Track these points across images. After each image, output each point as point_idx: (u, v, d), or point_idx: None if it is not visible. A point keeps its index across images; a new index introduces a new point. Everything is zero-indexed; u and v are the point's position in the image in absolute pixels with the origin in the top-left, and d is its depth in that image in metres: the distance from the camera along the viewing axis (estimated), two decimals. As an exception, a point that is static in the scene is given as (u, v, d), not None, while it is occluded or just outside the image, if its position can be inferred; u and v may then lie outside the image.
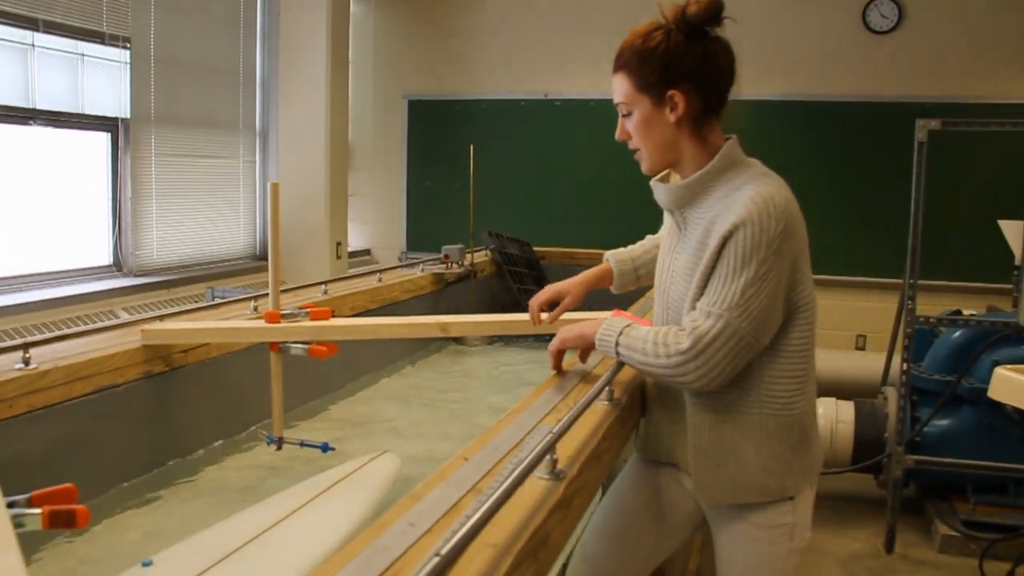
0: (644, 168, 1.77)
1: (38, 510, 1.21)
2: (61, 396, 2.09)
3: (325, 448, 2.38)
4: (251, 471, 2.48)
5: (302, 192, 5.69)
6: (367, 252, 6.99)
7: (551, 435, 1.45)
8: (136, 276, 4.90)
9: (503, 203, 6.37)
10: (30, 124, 4.30)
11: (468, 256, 4.38)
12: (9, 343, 2.08)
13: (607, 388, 1.83)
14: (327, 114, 5.74)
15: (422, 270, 4.12)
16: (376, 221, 7.11)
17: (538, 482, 1.41)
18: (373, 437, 2.82)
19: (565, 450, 1.53)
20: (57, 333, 2.22)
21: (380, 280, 3.65)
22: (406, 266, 4.28)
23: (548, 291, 2.13)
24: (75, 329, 2.30)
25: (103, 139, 4.81)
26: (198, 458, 2.51)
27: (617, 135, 1.77)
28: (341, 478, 2.20)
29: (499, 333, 2.55)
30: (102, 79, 4.67)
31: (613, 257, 2.15)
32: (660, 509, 1.96)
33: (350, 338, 2.43)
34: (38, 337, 2.15)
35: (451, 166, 6.63)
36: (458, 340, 4.27)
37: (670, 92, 1.65)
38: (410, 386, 3.54)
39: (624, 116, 1.73)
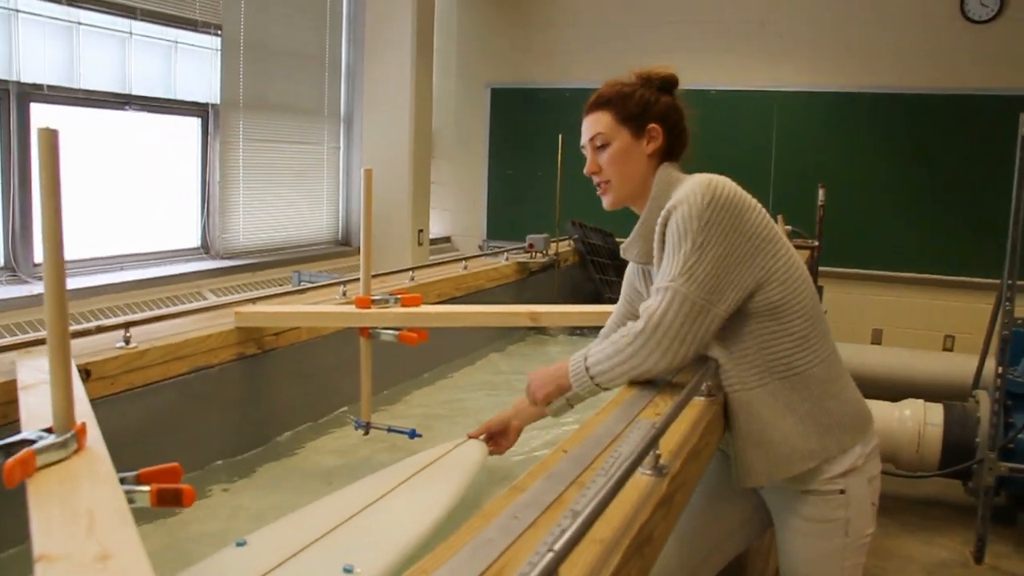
0: (607, 202, 1.94)
1: (146, 488, 1.22)
2: (159, 375, 2.12)
3: (412, 435, 2.38)
4: (337, 455, 2.49)
5: (386, 179, 5.71)
6: (447, 239, 7.02)
7: (654, 430, 1.41)
8: (222, 259, 4.98)
9: (585, 193, 6.29)
10: (126, 109, 4.40)
11: (552, 246, 4.35)
12: (111, 322, 2.12)
13: (705, 383, 1.79)
14: (411, 101, 5.76)
15: (506, 259, 4.10)
16: (457, 209, 7.13)
17: (641, 478, 1.38)
18: (457, 425, 2.80)
19: (667, 445, 1.50)
20: (155, 313, 2.25)
21: (466, 268, 3.64)
22: (490, 255, 4.26)
23: (485, 426, 2.26)
24: (172, 310, 2.33)
25: (194, 124, 4.89)
26: (286, 440, 2.53)
27: (587, 169, 1.92)
28: (428, 463, 2.19)
29: (588, 324, 2.52)
30: (194, 66, 4.75)
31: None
32: (721, 506, 2.02)
33: (440, 325, 2.42)
34: (137, 316, 2.18)
35: (533, 155, 6.61)
36: (540, 329, 4.24)
37: (650, 125, 1.87)
38: (493, 375, 3.52)
39: (598, 148, 1.90)
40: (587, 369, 1.79)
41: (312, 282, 3.73)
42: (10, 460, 1.13)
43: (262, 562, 1.68)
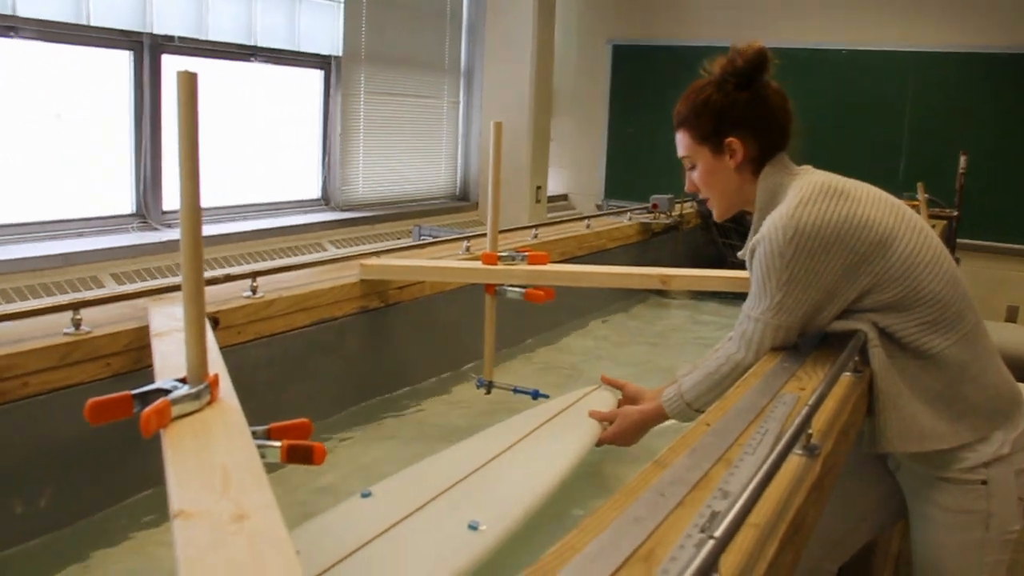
0: (715, 215, 1.86)
1: (277, 443, 1.19)
2: (284, 326, 2.11)
3: (536, 395, 2.32)
4: (458, 412, 2.46)
5: (505, 134, 5.60)
6: (564, 197, 6.93)
7: (807, 407, 1.31)
8: (342, 210, 5.01)
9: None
10: (251, 61, 4.44)
11: (676, 207, 4.22)
12: (240, 270, 2.12)
13: (854, 358, 1.68)
14: (532, 57, 5.66)
15: (630, 219, 4.00)
16: (574, 167, 7.02)
17: (792, 458, 1.28)
18: (578, 386, 2.75)
19: (816, 423, 1.40)
20: (281, 263, 2.25)
21: (588, 227, 3.56)
22: (613, 214, 4.16)
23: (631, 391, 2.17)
24: (297, 260, 2.33)
25: (317, 77, 4.91)
26: (407, 395, 2.51)
27: (686, 188, 1.85)
28: (558, 412, 2.13)
29: (719, 290, 2.41)
30: (318, 18, 4.76)
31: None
32: (856, 488, 1.92)
33: (566, 284, 2.35)
34: (264, 266, 2.18)
35: (656, 114, 6.40)
36: (662, 292, 4.14)
37: (727, 140, 1.74)
38: (614, 336, 3.45)
39: (690, 170, 1.81)
40: (688, 404, 1.82)
41: (433, 236, 3.72)
42: (147, 410, 1.12)
43: (387, 514, 1.67)
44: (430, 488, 1.79)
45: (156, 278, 3.70)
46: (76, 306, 1.83)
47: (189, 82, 1.15)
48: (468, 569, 1.59)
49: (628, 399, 2.12)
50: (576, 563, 0.93)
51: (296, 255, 4.24)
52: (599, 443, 2.04)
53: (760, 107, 1.75)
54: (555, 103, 6.81)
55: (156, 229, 4.06)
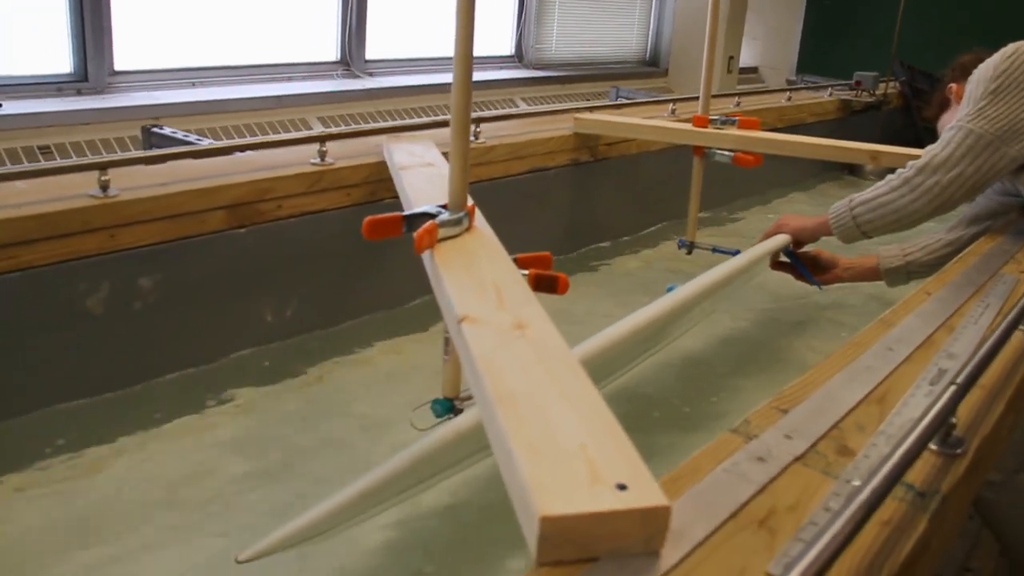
0: None
1: (524, 272, 1.29)
2: (501, 172, 2.22)
3: (735, 255, 2.36)
4: (657, 269, 2.54)
5: (700, 0, 5.49)
6: (754, 70, 6.72)
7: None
8: (534, 68, 5.05)
9: (920, 33, 5.79)
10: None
11: (880, 86, 4.07)
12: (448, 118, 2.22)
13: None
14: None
15: (830, 94, 3.90)
16: (767, 39, 6.76)
17: (1017, 333, 1.31)
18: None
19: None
20: (501, 112, 2.35)
21: (790, 99, 3.50)
22: (812, 88, 4.06)
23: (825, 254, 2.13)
24: (515, 111, 2.41)
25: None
26: (609, 248, 2.61)
27: None
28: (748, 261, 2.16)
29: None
30: None
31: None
32: None
33: (775, 152, 2.35)
34: (487, 114, 2.28)
35: (860, -14, 6.11)
36: (852, 171, 4.06)
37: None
38: (804, 210, 3.43)
39: None
40: (851, 210, 1.77)
41: (629, 98, 3.73)
42: (420, 229, 1.24)
43: None
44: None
45: (359, 123, 3.88)
46: (323, 138, 1.99)
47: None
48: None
49: (826, 260, 2.14)
50: (817, 396, 1.02)
51: (487, 110, 4.34)
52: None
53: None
54: (754, -31, 6.54)
55: (359, 77, 4.22)
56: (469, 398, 1.44)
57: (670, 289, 1.69)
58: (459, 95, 1.27)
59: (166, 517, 1.44)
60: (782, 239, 2.01)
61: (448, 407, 1.43)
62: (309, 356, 1.97)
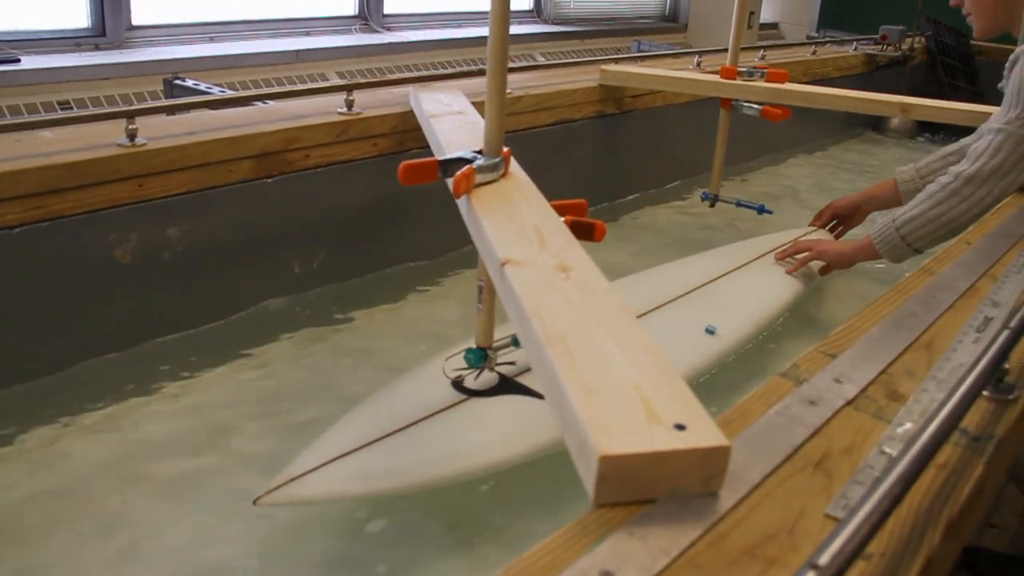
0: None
1: (561, 218, 1.27)
2: (528, 123, 2.20)
3: (761, 210, 2.35)
4: (680, 224, 2.52)
5: (723, -46, 5.41)
6: (774, 26, 6.63)
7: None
8: (553, 23, 4.99)
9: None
10: None
11: (906, 40, 4.01)
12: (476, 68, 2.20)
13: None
14: None
15: (855, 48, 3.84)
16: (788, -7, 6.66)
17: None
18: (793, 211, 2.76)
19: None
20: (528, 64, 2.32)
21: (814, 53, 3.45)
22: (837, 42, 4.00)
23: (832, 209, 2.16)
24: (540, 63, 2.38)
25: None
26: (635, 200, 2.59)
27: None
28: (780, 245, 2.17)
29: (959, 123, 2.31)
30: None
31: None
32: None
33: (803, 104, 2.32)
34: (513, 65, 2.24)
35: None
36: (876, 128, 4.01)
37: None
38: (827, 167, 3.40)
39: None
40: (897, 230, 1.71)
41: (653, 51, 3.68)
42: (459, 173, 1.22)
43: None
44: (663, 292, 1.87)
45: (376, 76, 3.84)
46: (350, 87, 1.97)
47: None
48: (707, 368, 1.70)
49: (847, 208, 2.17)
50: (864, 341, 1.01)
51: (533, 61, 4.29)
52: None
53: None
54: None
55: (377, 31, 4.18)
56: (503, 347, 1.43)
57: (710, 331, 1.74)
58: (496, 38, 1.24)
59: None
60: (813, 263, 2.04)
61: (482, 356, 1.42)
62: (337, 305, 1.97)
